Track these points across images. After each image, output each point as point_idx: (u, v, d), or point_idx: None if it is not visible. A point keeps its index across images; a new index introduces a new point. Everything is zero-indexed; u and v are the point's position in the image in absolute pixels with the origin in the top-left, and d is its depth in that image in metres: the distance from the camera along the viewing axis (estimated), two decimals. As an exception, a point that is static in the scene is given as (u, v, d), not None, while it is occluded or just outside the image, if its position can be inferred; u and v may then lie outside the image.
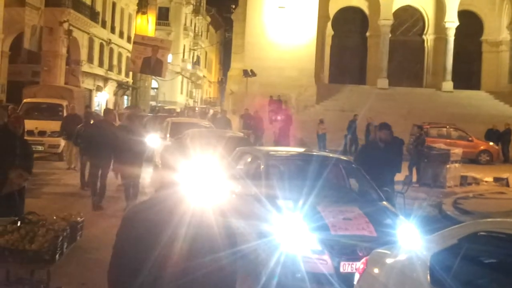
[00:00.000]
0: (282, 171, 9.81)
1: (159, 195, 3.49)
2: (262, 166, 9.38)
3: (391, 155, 13.71)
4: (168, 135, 19.63)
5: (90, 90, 44.10)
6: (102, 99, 46.34)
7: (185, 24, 72.68)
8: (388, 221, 8.24)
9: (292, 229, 7.62)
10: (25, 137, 9.07)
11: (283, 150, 13.44)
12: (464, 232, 4.62)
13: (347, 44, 46.97)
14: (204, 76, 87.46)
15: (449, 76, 43.32)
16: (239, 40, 44.93)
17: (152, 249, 3.19)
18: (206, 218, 3.41)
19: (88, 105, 32.86)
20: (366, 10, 46.95)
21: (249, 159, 10.61)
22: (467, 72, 45.50)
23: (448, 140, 27.54)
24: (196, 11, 76.92)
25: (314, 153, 10.98)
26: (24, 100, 24.90)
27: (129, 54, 45.90)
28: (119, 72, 50.98)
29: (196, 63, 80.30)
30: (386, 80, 43.22)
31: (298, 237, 7.52)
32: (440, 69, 44.82)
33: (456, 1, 42.88)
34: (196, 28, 79.64)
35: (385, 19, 43.40)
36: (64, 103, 24.04)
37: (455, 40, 43.40)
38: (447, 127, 30.45)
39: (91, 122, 16.26)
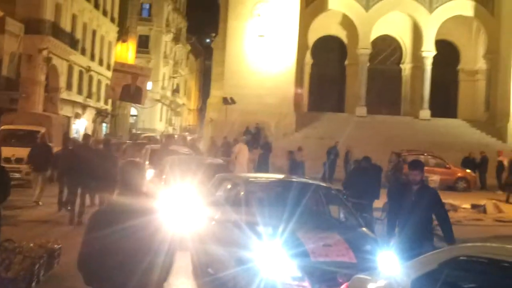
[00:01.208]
0: (262, 197, 9.80)
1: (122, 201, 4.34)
2: (242, 193, 9.35)
3: (370, 182, 13.78)
4: (147, 162, 19.52)
5: (69, 117, 43.89)
6: (80, 126, 46.10)
7: (165, 52, 72.86)
8: (367, 247, 8.24)
9: (272, 256, 7.59)
10: (2, 164, 8.98)
11: (262, 176, 13.44)
12: (444, 257, 4.62)
13: (326, 73, 47.34)
14: (183, 104, 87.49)
15: (426, 104, 43.76)
16: (219, 68, 45.08)
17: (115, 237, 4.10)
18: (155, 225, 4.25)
19: (67, 132, 32.69)
20: (345, 39, 47.47)
21: (229, 186, 10.59)
22: (444, 101, 46.04)
23: (426, 168, 27.67)
24: (176, 39, 77.19)
25: (294, 180, 10.98)
26: (1, 127, 24.70)
27: (108, 82, 45.81)
28: (98, 100, 50.83)
29: (176, 90, 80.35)
30: (365, 108, 43.55)
31: (278, 264, 7.48)
32: (417, 98, 45.29)
33: (433, 31, 43.53)
34: (176, 56, 79.84)
35: (364, 48, 43.87)
36: (42, 130, 23.87)
37: (432, 69, 43.94)
38: (425, 154, 30.64)
39: (70, 148, 16.23)
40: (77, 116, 45.79)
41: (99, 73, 50.28)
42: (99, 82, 50.75)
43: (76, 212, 13.80)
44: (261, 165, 27.95)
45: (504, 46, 42.35)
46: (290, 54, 41.23)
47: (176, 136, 50.62)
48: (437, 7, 43.58)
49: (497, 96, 43.17)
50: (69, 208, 14.40)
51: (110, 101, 51.87)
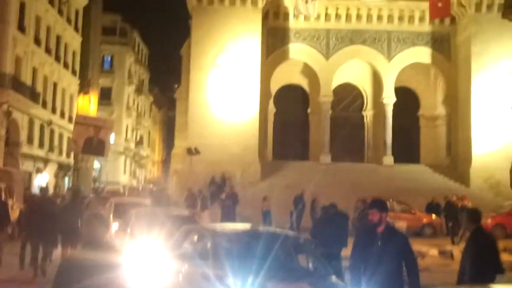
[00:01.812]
0: (230, 248, 9.61)
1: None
2: (209, 244, 9.17)
3: (338, 230, 13.67)
4: (112, 216, 19.17)
5: (30, 172, 43.14)
6: (42, 181, 45.27)
7: (127, 104, 72.67)
8: (339, 296, 8.09)
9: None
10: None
11: (230, 227, 13.25)
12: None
13: (289, 121, 47.66)
14: (147, 156, 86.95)
15: (389, 150, 44.22)
16: (183, 118, 45.10)
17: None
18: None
19: (28, 188, 32.03)
20: (307, 88, 48.06)
21: (195, 237, 10.39)
22: (407, 146, 46.60)
23: (392, 214, 27.70)
24: (139, 91, 77.18)
25: (262, 230, 10.83)
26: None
27: (70, 135, 45.28)
28: (60, 153, 50.16)
29: (140, 142, 79.91)
30: (329, 156, 43.81)
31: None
32: (380, 144, 45.79)
33: (393, 78, 44.35)
34: (139, 108, 79.71)
35: (325, 96, 44.40)
36: (2, 185, 23.31)
37: (393, 115, 44.59)
38: (390, 200, 30.68)
39: (31, 203, 15.90)
40: (39, 170, 45.02)
41: (60, 126, 49.74)
42: (61, 135, 50.16)
43: (39, 268, 13.40)
44: (228, 215, 27.66)
45: (462, 92, 43.30)
46: (253, 103, 41.50)
47: (140, 188, 50.15)
48: (395, 55, 44.53)
49: (458, 141, 43.90)
50: (32, 264, 14.00)
51: (72, 154, 51.21)
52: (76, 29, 52.95)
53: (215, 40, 41.90)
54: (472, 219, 8.56)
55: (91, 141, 37.01)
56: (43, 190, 16.35)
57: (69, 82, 51.66)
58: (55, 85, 48.43)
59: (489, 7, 41.72)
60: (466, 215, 8.82)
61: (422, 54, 44.78)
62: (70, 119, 49.79)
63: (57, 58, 48.57)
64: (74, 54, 52.77)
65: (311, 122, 47.54)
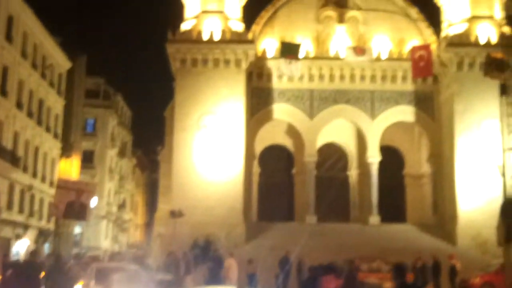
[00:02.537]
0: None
1: None
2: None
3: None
4: (93, 281, 18.51)
5: (9, 239, 42.06)
6: (21, 248, 44.10)
7: (110, 167, 71.94)
8: None
9: None
10: None
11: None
12: None
13: (274, 182, 47.31)
14: (130, 219, 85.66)
15: (375, 210, 43.85)
16: (166, 181, 44.58)
17: None
18: None
19: (6, 255, 31.10)
20: (291, 148, 47.94)
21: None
22: (393, 205, 46.23)
23: (380, 274, 27.14)
24: (121, 153, 76.59)
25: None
26: None
27: (51, 199, 44.47)
28: (41, 218, 49.09)
29: (122, 206, 78.81)
30: (315, 216, 43.33)
31: None
32: (366, 204, 45.41)
33: (377, 137, 44.39)
34: (122, 170, 78.93)
35: (310, 156, 44.26)
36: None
37: (378, 174, 44.43)
38: (378, 260, 30.13)
39: (10, 271, 15.22)
40: (18, 237, 43.89)
41: (41, 191, 48.86)
42: (41, 200, 49.22)
43: None
44: (212, 279, 26.93)
45: (446, 150, 43.35)
46: (238, 164, 41.22)
47: (122, 253, 49.12)
48: (379, 114, 44.73)
49: (444, 199, 43.68)
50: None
51: (53, 219, 50.17)
52: (59, 92, 52.74)
53: (199, 101, 41.93)
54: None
55: (73, 205, 36.29)
56: (33, 253, 15.83)
57: (51, 145, 51.07)
58: (36, 149, 47.81)
59: (471, 65, 42.26)
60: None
61: (406, 113, 45.01)
62: (51, 184, 49.00)
63: (39, 122, 48.13)
64: (56, 117, 52.39)
65: (296, 183, 47.18)
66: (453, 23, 44.47)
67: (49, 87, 50.26)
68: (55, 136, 52.20)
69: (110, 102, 71.19)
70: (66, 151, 53.95)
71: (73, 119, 56.58)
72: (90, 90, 65.32)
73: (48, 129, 50.30)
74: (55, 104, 51.85)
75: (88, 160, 66.46)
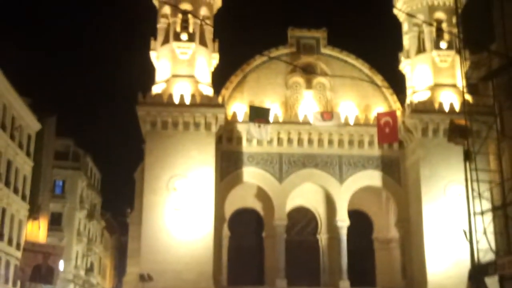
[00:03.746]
0: None
1: None
2: None
3: None
4: None
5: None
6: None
7: (78, 229, 71.08)
8: None
9: None
10: None
11: None
12: None
13: (244, 245, 47.19)
14: (98, 283, 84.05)
15: (345, 274, 43.80)
16: (135, 244, 44.15)
17: None
18: None
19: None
20: (261, 211, 48.03)
21: None
22: (362, 270, 46.30)
23: None
24: (90, 216, 75.80)
25: None
26: None
27: (18, 262, 43.74)
28: (6, 282, 48.08)
29: (90, 269, 77.47)
30: (285, 280, 43.12)
31: None
32: (336, 268, 45.38)
33: (345, 201, 44.79)
34: (90, 233, 77.95)
35: (280, 220, 44.35)
36: None
37: (348, 238, 44.58)
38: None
39: None
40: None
41: (7, 254, 48.01)
42: (7, 263, 48.30)
43: None
44: None
45: (414, 215, 43.87)
46: (207, 227, 41.17)
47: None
48: (347, 178, 45.28)
49: (412, 263, 43.89)
50: None
51: (19, 283, 49.14)
52: (28, 153, 52.55)
53: (169, 164, 42.10)
54: None
55: (40, 268, 35.91)
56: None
57: (19, 207, 50.50)
58: (3, 210, 47.25)
59: (435, 132, 43.33)
60: None
61: (373, 177, 45.62)
62: (18, 246, 48.27)
63: (7, 183, 47.75)
64: (25, 179, 52.01)
65: (266, 246, 47.08)
66: (417, 90, 45.80)
67: (18, 149, 50.11)
68: (23, 197, 51.70)
69: (79, 164, 70.97)
70: (33, 213, 53.37)
71: (42, 181, 56.17)
72: (59, 152, 65.19)
73: (16, 191, 49.87)
74: (24, 165, 51.58)
75: (56, 222, 65.69)
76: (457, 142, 27.58)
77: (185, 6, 45.60)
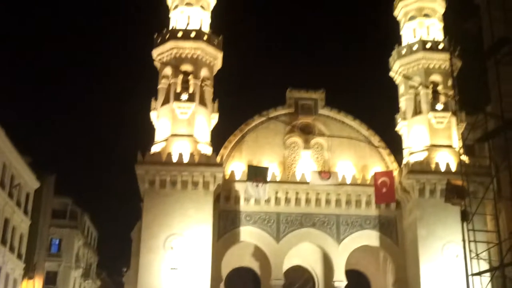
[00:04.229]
0: None
1: None
2: None
3: None
4: None
5: None
6: None
7: (73, 288, 70.27)
8: None
9: None
10: None
11: None
12: None
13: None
14: None
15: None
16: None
17: None
18: None
19: None
20: (258, 271, 47.72)
21: None
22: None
23: None
24: (86, 275, 75.00)
25: None
26: None
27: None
28: None
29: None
30: None
31: None
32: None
33: (343, 261, 44.54)
34: (85, 293, 76.97)
35: (277, 279, 43.97)
36: None
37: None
38: None
39: None
40: None
41: (1, 313, 47.37)
42: (0, 322, 47.61)
43: None
44: None
45: (412, 275, 43.57)
46: (204, 287, 40.74)
47: None
48: (344, 238, 45.18)
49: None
50: None
51: None
52: (25, 212, 52.44)
53: (166, 223, 42.02)
54: None
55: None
56: None
57: (14, 266, 50.06)
58: (-1, 269, 46.86)
59: (432, 192, 43.50)
60: None
61: (371, 237, 45.53)
62: (11, 305, 47.64)
63: (3, 242, 47.48)
64: (21, 237, 51.75)
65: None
66: (413, 151, 46.20)
67: (16, 207, 50.02)
68: (19, 256, 51.32)
69: (76, 223, 70.73)
70: (28, 271, 52.88)
71: (38, 239, 55.93)
72: (57, 210, 65.10)
73: (11, 249, 49.52)
74: (21, 223, 51.40)
75: (51, 281, 65.00)
76: (454, 203, 27.71)
77: (186, 67, 46.50)
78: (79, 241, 71.67)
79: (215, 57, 48.12)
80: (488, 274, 25.17)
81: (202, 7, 50.02)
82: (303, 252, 46.91)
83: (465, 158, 43.60)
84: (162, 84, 47.19)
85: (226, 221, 44.90)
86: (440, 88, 46.99)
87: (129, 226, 48.43)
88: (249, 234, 44.96)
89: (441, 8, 50.64)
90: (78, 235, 70.65)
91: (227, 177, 45.24)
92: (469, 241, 25.04)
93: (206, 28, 49.24)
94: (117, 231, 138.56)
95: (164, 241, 41.64)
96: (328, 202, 45.55)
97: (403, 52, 48.81)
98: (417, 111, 47.47)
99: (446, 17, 50.70)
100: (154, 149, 44.99)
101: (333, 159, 47.50)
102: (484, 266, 26.64)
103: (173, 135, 44.96)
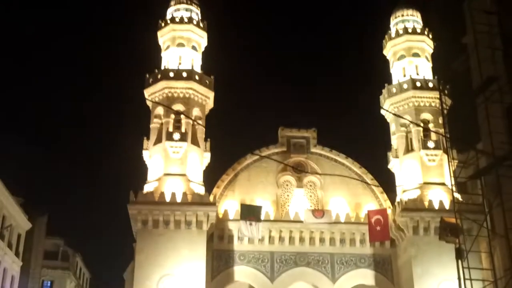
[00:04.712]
0: None
1: None
2: None
3: None
4: None
5: None
6: None
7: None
8: None
9: None
10: None
11: None
12: None
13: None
14: None
15: None
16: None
17: None
18: None
19: None
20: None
21: None
22: None
23: None
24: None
25: None
26: None
27: None
28: None
29: None
30: None
31: None
32: None
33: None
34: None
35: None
36: None
37: None
38: None
39: None
40: None
41: None
42: None
43: None
44: None
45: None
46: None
47: None
48: (339, 277, 44.92)
49: None
50: None
51: None
52: (17, 253, 51.99)
53: (159, 262, 41.70)
54: None
55: None
56: None
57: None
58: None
59: (426, 229, 43.49)
60: None
61: (366, 276, 45.25)
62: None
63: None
64: (12, 279, 51.21)
65: None
66: (406, 188, 46.29)
67: (7, 248, 49.60)
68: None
69: (68, 264, 69.98)
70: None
71: (30, 281, 55.34)
72: (48, 251, 64.47)
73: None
74: (12, 265, 50.91)
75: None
76: (448, 240, 27.67)
77: (178, 106, 46.75)
78: (71, 283, 70.80)
79: (206, 97, 48.45)
80: (484, 312, 25.06)
81: (193, 47, 50.62)
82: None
83: (458, 195, 43.76)
84: (154, 124, 47.34)
85: (220, 261, 44.58)
86: (431, 126, 47.33)
87: (122, 267, 48.09)
88: (243, 273, 44.62)
89: (429, 47, 51.42)
90: (70, 277, 69.81)
91: (220, 216, 45.09)
92: (465, 279, 24.93)
93: (197, 69, 49.70)
94: (110, 272, 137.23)
95: (157, 281, 41.24)
96: (322, 240, 45.38)
97: (394, 90, 49.34)
98: (409, 149, 47.75)
99: (434, 56, 51.53)
100: (147, 188, 44.90)
101: (326, 197, 47.50)
102: (481, 304, 26.51)
103: (166, 174, 44.93)
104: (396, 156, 48.07)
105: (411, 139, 48.07)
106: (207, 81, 48.85)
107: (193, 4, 52.11)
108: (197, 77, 48.18)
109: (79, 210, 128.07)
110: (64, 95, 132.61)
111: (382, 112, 49.97)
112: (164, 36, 50.98)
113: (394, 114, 47.70)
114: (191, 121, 46.50)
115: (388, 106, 48.88)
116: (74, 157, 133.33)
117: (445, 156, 43.85)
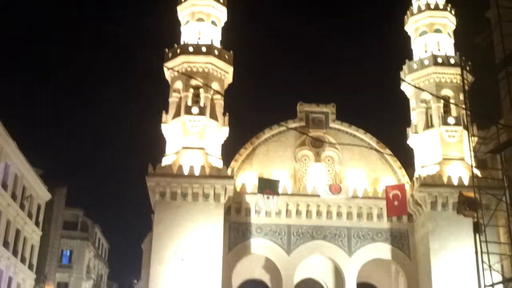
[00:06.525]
0: None
1: None
2: None
3: None
4: None
5: None
6: None
7: (84, 300, 70.33)
8: None
9: None
10: None
11: None
12: None
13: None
14: None
15: None
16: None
17: None
18: None
19: None
20: (269, 283, 47.70)
21: None
22: None
23: None
24: (96, 286, 75.13)
25: None
26: None
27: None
28: None
29: None
30: None
31: None
32: None
33: (354, 274, 44.34)
34: (96, 305, 77.02)
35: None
36: None
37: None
38: None
39: None
40: None
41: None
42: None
43: None
44: None
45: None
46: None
47: None
48: (355, 251, 45.01)
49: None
50: None
51: None
52: (36, 223, 52.66)
53: (177, 234, 42.07)
54: None
55: None
56: None
57: (25, 276, 50.24)
58: (10, 279, 46.99)
59: (444, 205, 43.34)
60: None
61: (382, 250, 45.32)
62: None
63: (15, 252, 47.68)
64: (32, 248, 51.95)
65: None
66: (425, 164, 46.08)
67: (27, 218, 50.25)
68: (30, 266, 51.51)
69: (87, 234, 70.96)
70: (39, 282, 53.04)
71: (49, 251, 56.14)
72: (68, 222, 65.38)
73: (23, 260, 49.72)
74: (32, 235, 51.61)
75: (62, 292, 65.18)
76: (466, 215, 27.61)
77: (197, 81, 46.69)
78: (90, 253, 71.82)
79: (226, 72, 48.39)
80: (501, 285, 25.11)
81: (213, 22, 50.44)
82: (314, 265, 46.83)
83: (477, 171, 43.63)
84: (173, 98, 47.44)
85: (237, 233, 44.91)
86: (451, 102, 46.94)
87: (140, 237, 48.55)
88: (259, 246, 44.92)
89: (451, 23, 50.77)
90: (89, 247, 70.82)
91: (238, 189, 45.31)
92: (482, 253, 24.96)
93: (217, 44, 49.54)
94: (128, 243, 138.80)
95: (174, 252, 41.67)
96: (339, 214, 45.49)
97: (415, 66, 48.91)
98: (428, 125, 47.44)
99: (457, 32, 50.93)
100: (165, 161, 45.14)
101: (344, 172, 47.46)
102: (497, 277, 26.54)
103: (184, 148, 45.11)
104: (416, 132, 47.79)
105: (431, 115, 47.72)
106: (226, 56, 48.76)
107: (213, -21, 51.79)
108: (216, 52, 48.09)
109: (98, 181, 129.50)
110: (86, 68, 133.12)
111: (402, 87, 49.61)
112: (184, 11, 50.86)
113: (416, 87, 47.37)
114: (209, 96, 46.53)
115: (409, 81, 48.44)
116: (93, 130, 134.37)
117: (465, 132, 43.58)
